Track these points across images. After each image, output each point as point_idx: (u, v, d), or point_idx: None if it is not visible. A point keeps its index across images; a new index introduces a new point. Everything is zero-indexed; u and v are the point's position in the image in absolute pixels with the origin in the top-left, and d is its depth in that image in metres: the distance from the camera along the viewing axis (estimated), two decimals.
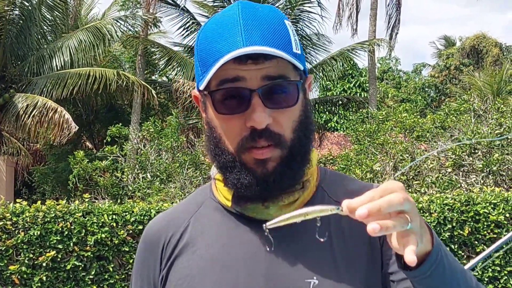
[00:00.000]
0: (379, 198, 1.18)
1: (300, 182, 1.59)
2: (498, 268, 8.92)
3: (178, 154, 14.34)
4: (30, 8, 21.70)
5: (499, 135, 12.00)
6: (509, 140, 12.00)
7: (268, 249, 1.55)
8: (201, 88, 1.55)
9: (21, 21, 21.55)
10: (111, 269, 8.67)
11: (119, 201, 13.18)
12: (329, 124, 33.43)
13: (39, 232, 8.45)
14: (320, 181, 1.69)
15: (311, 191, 1.64)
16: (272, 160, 1.51)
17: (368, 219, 1.17)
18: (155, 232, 1.72)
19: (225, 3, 23.04)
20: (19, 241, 8.41)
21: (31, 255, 8.44)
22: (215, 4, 23.70)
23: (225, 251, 1.59)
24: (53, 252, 8.44)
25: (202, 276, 1.57)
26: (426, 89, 51.28)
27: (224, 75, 1.48)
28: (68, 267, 8.48)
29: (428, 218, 8.82)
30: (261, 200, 1.55)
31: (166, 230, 1.70)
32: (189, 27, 23.54)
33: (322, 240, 1.48)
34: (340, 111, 27.35)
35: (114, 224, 8.69)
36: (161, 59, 24.44)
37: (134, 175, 13.97)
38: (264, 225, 1.35)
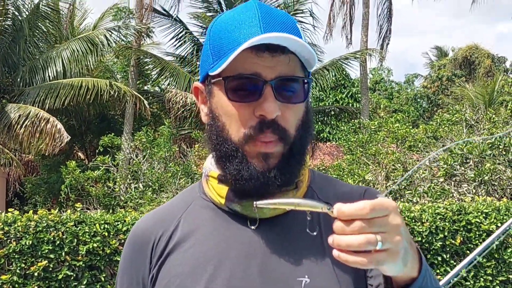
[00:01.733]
0: (369, 212, 1.17)
1: (294, 181, 1.60)
2: (490, 278, 8.92)
3: (171, 164, 14.32)
4: (22, 18, 21.70)
5: (490, 145, 12.03)
6: (500, 150, 12.02)
7: (252, 227, 1.58)
8: (213, 73, 1.56)
9: (13, 31, 21.54)
10: (102, 278, 8.65)
11: (111, 211, 13.14)
12: (321, 135, 33.40)
13: (31, 242, 8.42)
14: (310, 182, 1.70)
15: (303, 191, 1.65)
16: (274, 156, 1.52)
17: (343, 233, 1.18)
18: (144, 231, 1.70)
19: (218, 13, 23.07)
20: (10, 251, 8.37)
21: (23, 265, 8.41)
22: (208, 14, 23.72)
23: (218, 249, 1.58)
24: (44, 262, 8.42)
25: (195, 274, 1.56)
26: (418, 99, 51.37)
27: (241, 68, 1.51)
28: (60, 276, 8.45)
29: (420, 227, 8.83)
30: (256, 198, 1.50)
31: (155, 229, 1.68)
32: (182, 37, 23.58)
33: (313, 233, 1.50)
34: (332, 122, 27.38)
35: (106, 234, 8.67)
36: (154, 69, 24.47)
37: (126, 185, 13.93)
38: (254, 202, 1.36)
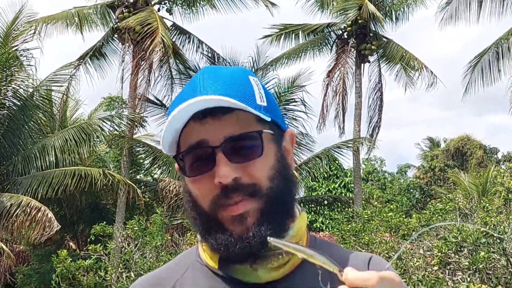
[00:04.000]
0: (375, 284, 1.16)
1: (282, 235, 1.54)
2: None
3: (163, 253, 14.22)
4: (17, 108, 21.86)
5: (484, 233, 11.99)
6: (495, 238, 11.98)
7: None
8: (170, 153, 1.56)
9: (7, 121, 21.67)
10: None
11: None
12: (314, 225, 33.33)
13: None
14: (310, 245, 1.65)
15: None
16: (250, 215, 1.48)
17: None
18: None
19: None
20: None
21: None
22: None
23: None
24: None
25: None
26: (411, 190, 51.55)
27: (189, 139, 1.49)
28: None
29: None
30: (249, 262, 1.51)
31: None
32: None
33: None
34: (325, 211, 27.30)
35: None
36: (147, 158, 24.56)
37: (117, 274, 13.79)
38: (268, 238, 1.35)
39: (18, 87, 22.04)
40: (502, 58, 25.80)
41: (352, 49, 27.69)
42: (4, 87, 21.66)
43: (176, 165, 1.65)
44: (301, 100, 23.07)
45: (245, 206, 1.47)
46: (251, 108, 1.47)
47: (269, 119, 1.53)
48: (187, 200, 1.58)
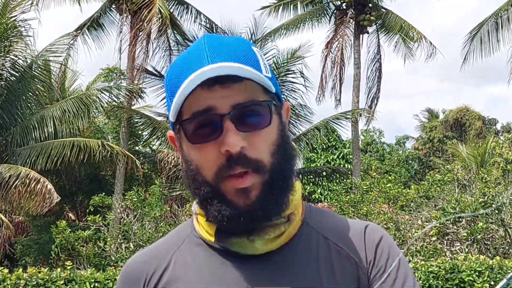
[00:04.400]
0: None
1: (285, 214, 1.54)
2: None
3: (162, 223, 14.26)
4: (15, 79, 21.81)
5: (482, 204, 12.03)
6: (493, 209, 12.01)
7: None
8: (172, 119, 1.52)
9: (5, 92, 21.61)
10: None
11: (101, 271, 13.04)
12: (313, 196, 33.37)
13: None
14: (305, 216, 1.63)
15: (297, 225, 1.59)
16: (254, 188, 1.46)
17: None
18: (135, 269, 1.66)
19: None
20: None
21: None
22: None
23: None
24: None
25: None
26: (410, 161, 51.53)
27: (195, 106, 1.46)
28: None
29: None
30: (246, 234, 1.50)
31: (147, 267, 1.64)
32: None
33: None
34: (324, 182, 27.32)
35: None
36: (145, 129, 24.52)
37: (117, 245, 13.84)
38: None
39: (16, 58, 21.97)
40: (502, 28, 25.76)
41: (351, 20, 27.55)
42: (3, 58, 21.59)
43: (170, 133, 1.64)
44: (300, 72, 22.98)
45: (250, 179, 1.45)
46: (260, 73, 1.47)
47: (274, 90, 1.52)
48: (187, 169, 1.55)
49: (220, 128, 1.45)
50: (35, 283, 8.46)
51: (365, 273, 1.54)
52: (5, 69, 21.88)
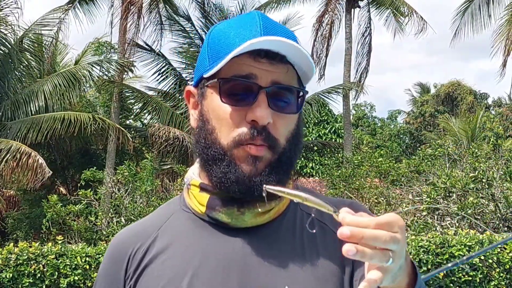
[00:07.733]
0: (373, 227, 1.13)
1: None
2: None
3: (153, 198, 14.27)
4: (7, 52, 21.68)
5: (473, 179, 12.06)
6: (483, 184, 12.05)
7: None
8: (207, 76, 1.56)
9: None
10: None
11: (92, 245, 13.06)
12: (304, 170, 33.41)
13: (11, 275, 8.33)
14: None
15: (286, 202, 1.63)
16: (263, 161, 1.51)
17: (348, 241, 1.12)
18: (121, 243, 1.68)
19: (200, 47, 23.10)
20: None
21: None
22: (191, 49, 23.72)
23: (197, 260, 1.56)
24: None
25: (172, 286, 1.53)
26: (401, 136, 51.65)
27: (237, 70, 1.51)
28: None
29: None
30: (237, 205, 1.54)
31: (133, 241, 1.66)
32: (164, 72, 23.49)
33: (312, 231, 1.52)
34: (315, 157, 27.33)
35: (87, 267, 8.60)
36: (136, 103, 24.46)
37: (108, 219, 13.86)
38: (264, 186, 1.34)
39: (5, 31, 21.82)
40: (492, 3, 25.69)
41: None
42: None
43: (189, 88, 1.69)
44: None
45: (264, 151, 1.51)
46: (312, 68, 1.56)
47: (306, 84, 1.63)
48: (201, 127, 1.59)
49: (253, 98, 1.50)
50: (26, 257, 8.47)
51: None
52: None
